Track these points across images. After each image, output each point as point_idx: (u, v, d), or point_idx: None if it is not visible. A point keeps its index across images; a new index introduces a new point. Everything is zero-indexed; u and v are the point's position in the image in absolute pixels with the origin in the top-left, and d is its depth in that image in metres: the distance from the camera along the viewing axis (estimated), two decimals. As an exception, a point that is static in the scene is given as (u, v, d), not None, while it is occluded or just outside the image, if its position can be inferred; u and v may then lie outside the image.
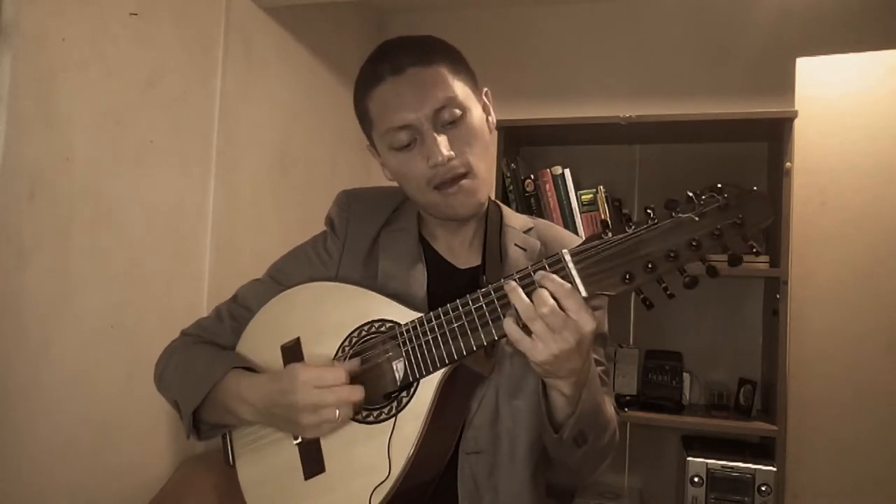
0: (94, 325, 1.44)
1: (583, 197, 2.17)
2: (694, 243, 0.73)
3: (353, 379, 0.89)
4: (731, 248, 0.74)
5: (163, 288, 1.63)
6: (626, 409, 2.11)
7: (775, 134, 2.06)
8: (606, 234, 0.77)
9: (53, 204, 1.33)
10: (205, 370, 0.99)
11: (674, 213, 0.75)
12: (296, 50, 2.16)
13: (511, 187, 2.21)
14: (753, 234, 0.73)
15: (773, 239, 2.07)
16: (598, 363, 1.01)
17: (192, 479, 1.55)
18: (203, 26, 1.74)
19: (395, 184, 1.03)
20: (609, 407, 0.94)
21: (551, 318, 0.75)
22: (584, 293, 0.77)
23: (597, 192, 2.16)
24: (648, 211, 0.76)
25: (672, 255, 0.74)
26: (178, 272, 1.68)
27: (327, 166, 2.29)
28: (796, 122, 1.99)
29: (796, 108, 2.11)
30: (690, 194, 0.75)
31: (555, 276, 0.78)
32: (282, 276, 1.06)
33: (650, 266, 0.75)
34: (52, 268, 1.34)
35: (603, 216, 2.13)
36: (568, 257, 0.78)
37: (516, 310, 0.78)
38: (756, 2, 2.32)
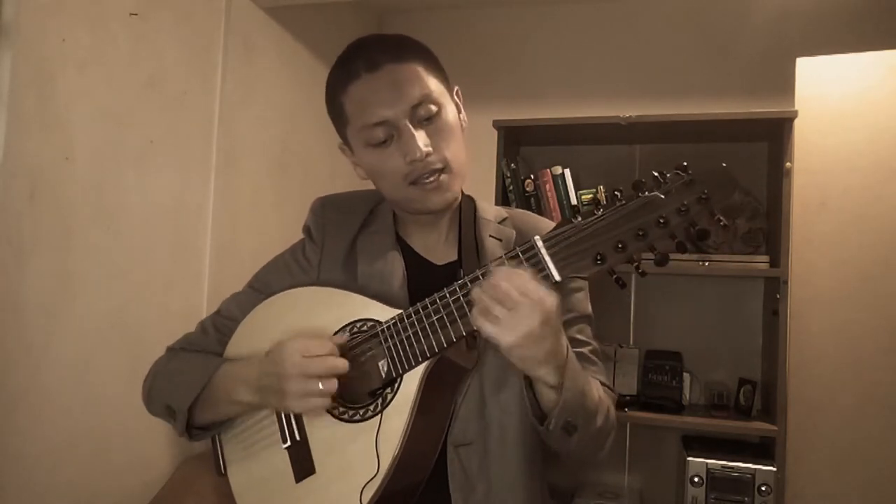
0: (94, 325, 1.44)
1: (583, 197, 2.17)
2: (661, 220, 0.75)
3: (341, 376, 0.90)
4: (698, 222, 0.76)
5: (163, 288, 1.63)
6: (627, 409, 2.11)
7: (775, 134, 2.06)
8: (576, 219, 0.79)
9: (53, 204, 1.33)
10: (198, 369, 1.00)
11: (640, 193, 0.77)
12: (296, 50, 2.16)
13: (511, 187, 2.21)
14: (720, 207, 0.76)
15: (773, 239, 2.07)
16: (585, 343, 1.03)
17: (191, 479, 1.56)
18: (203, 26, 1.74)
19: (368, 185, 1.04)
20: (596, 390, 0.94)
21: (509, 300, 0.77)
22: (557, 277, 0.79)
23: (597, 192, 2.16)
24: (616, 193, 0.78)
25: (641, 233, 0.76)
26: (178, 272, 1.69)
27: (327, 166, 2.29)
28: (796, 122, 1.99)
29: (796, 108, 2.11)
30: (655, 174, 0.77)
31: (502, 267, 0.80)
32: (262, 287, 1.07)
33: (620, 245, 0.77)
34: (52, 268, 1.34)
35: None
36: (540, 243, 0.80)
37: (477, 301, 0.80)
38: (756, 2, 2.32)
